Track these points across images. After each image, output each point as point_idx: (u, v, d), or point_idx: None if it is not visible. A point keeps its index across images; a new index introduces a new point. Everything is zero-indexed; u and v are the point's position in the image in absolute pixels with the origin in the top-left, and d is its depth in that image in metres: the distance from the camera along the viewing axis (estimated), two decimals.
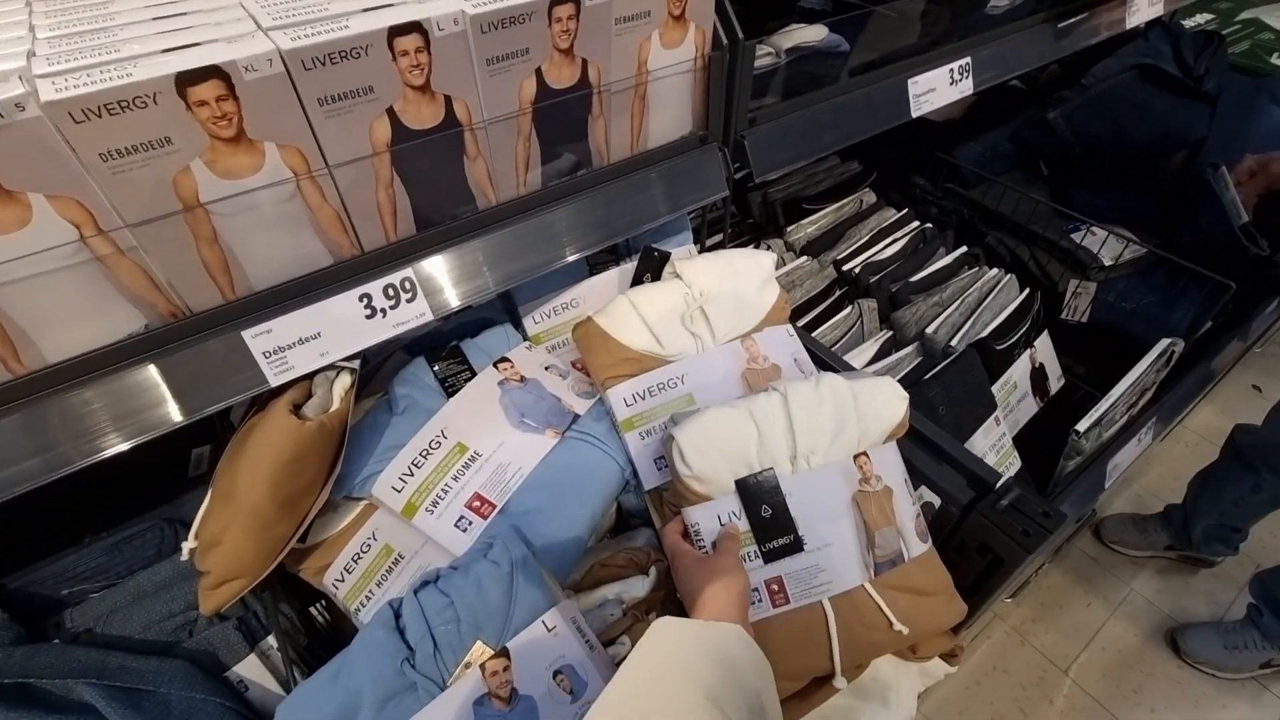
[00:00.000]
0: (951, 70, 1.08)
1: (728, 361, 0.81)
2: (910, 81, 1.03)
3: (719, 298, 0.84)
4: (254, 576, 0.65)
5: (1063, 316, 1.37)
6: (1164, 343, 1.09)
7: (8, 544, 0.74)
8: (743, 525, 0.69)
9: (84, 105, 0.45)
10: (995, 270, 1.28)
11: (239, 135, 0.53)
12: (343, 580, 0.72)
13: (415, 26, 0.56)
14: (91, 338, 0.56)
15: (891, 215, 1.41)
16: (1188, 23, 2.06)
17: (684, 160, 0.85)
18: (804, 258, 1.30)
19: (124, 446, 0.57)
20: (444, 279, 0.70)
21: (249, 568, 0.64)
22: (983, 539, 0.76)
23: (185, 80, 0.48)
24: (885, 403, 0.75)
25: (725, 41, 0.79)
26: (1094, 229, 1.35)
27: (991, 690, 1.51)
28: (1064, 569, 1.73)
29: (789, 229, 1.36)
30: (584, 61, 0.69)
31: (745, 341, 0.83)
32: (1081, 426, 1.01)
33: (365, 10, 0.56)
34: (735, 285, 0.85)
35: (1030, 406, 1.20)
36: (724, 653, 0.51)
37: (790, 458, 0.71)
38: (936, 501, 0.81)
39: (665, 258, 0.89)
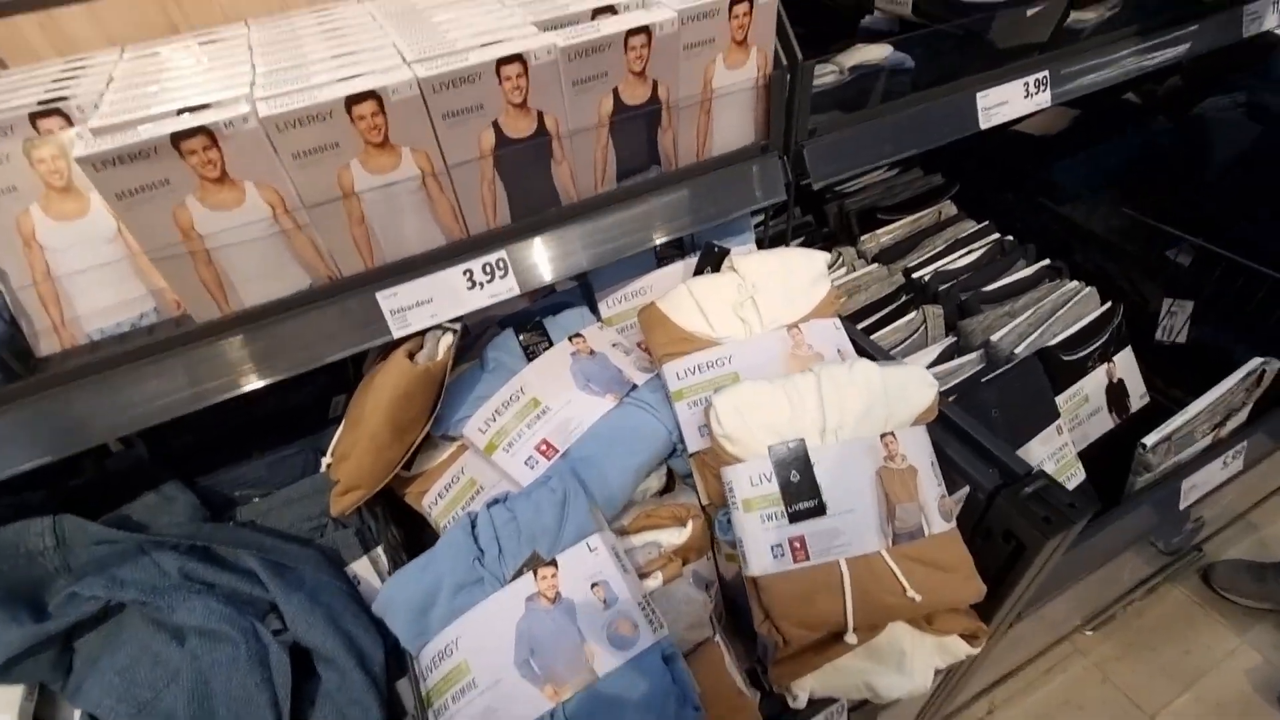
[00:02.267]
0: (1026, 84, 1.11)
1: (773, 346, 0.90)
2: (979, 94, 1.07)
3: (769, 288, 0.93)
4: (371, 488, 0.82)
5: (1158, 336, 1.32)
6: (1255, 361, 1.04)
7: (203, 450, 0.97)
8: (773, 486, 0.78)
9: (285, 120, 0.64)
10: (1075, 283, 1.26)
11: (384, 142, 0.70)
12: (436, 504, 0.89)
13: (517, 57, 0.71)
14: (274, 290, 0.75)
15: (971, 226, 1.42)
16: None
17: (745, 167, 0.95)
18: (874, 264, 1.35)
19: (290, 374, 0.76)
20: (531, 261, 0.84)
21: (368, 480, 0.82)
22: (1007, 525, 0.79)
23: (351, 101, 0.66)
24: (915, 388, 0.81)
25: (785, 62, 0.89)
26: (1193, 247, 1.29)
27: None
28: (1161, 610, 1.62)
29: (863, 238, 1.42)
30: (654, 81, 0.82)
31: (791, 330, 0.92)
32: (1149, 440, 1.00)
33: (482, 45, 0.73)
34: (786, 278, 0.94)
35: (1105, 422, 1.18)
36: None
37: (820, 431, 0.79)
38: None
39: (725, 253, 1.00)
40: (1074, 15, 1.11)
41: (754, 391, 0.79)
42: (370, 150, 0.70)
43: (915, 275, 1.31)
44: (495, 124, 0.75)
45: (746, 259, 0.95)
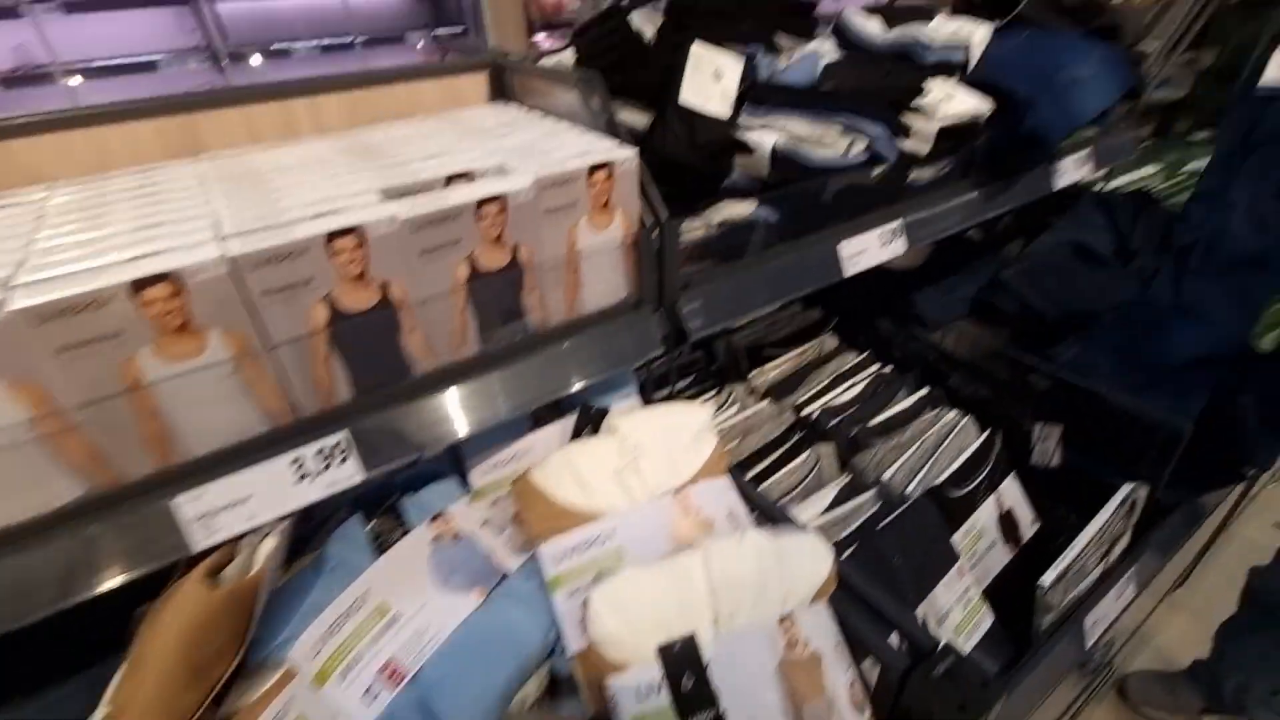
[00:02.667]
0: (882, 233, 1.18)
1: (659, 516, 0.82)
2: (841, 245, 1.12)
3: (652, 450, 0.87)
4: None
5: (1034, 461, 1.36)
6: (1125, 489, 1.08)
7: None
8: (664, 699, 0.67)
9: (48, 311, 0.53)
10: (954, 412, 1.29)
11: (184, 326, 0.60)
12: None
13: (351, 230, 0.65)
14: (31, 506, 0.60)
15: (853, 359, 1.46)
16: (1133, 175, 2.22)
17: (619, 323, 0.92)
18: (765, 401, 1.34)
19: (50, 610, 0.59)
20: (379, 441, 0.74)
21: None
22: (925, 709, 0.71)
23: (138, 285, 0.56)
24: (810, 560, 0.74)
25: (651, 221, 0.89)
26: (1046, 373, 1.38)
27: None
28: None
29: (752, 374, 1.42)
30: (515, 245, 0.78)
31: (678, 495, 0.85)
32: (1046, 580, 0.98)
33: (315, 216, 0.66)
34: (669, 437, 0.89)
35: (1002, 555, 1.16)
36: None
37: (712, 619, 0.70)
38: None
39: (602, 414, 0.93)
40: (913, 173, 1.21)
41: (635, 583, 0.69)
42: (166, 338, 0.60)
43: (805, 412, 1.31)
44: (328, 298, 0.67)
45: (627, 419, 0.89)
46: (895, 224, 1.19)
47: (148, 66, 3.63)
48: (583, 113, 0.93)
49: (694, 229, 1.01)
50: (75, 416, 0.58)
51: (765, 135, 1.01)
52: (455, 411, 0.79)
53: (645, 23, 1.11)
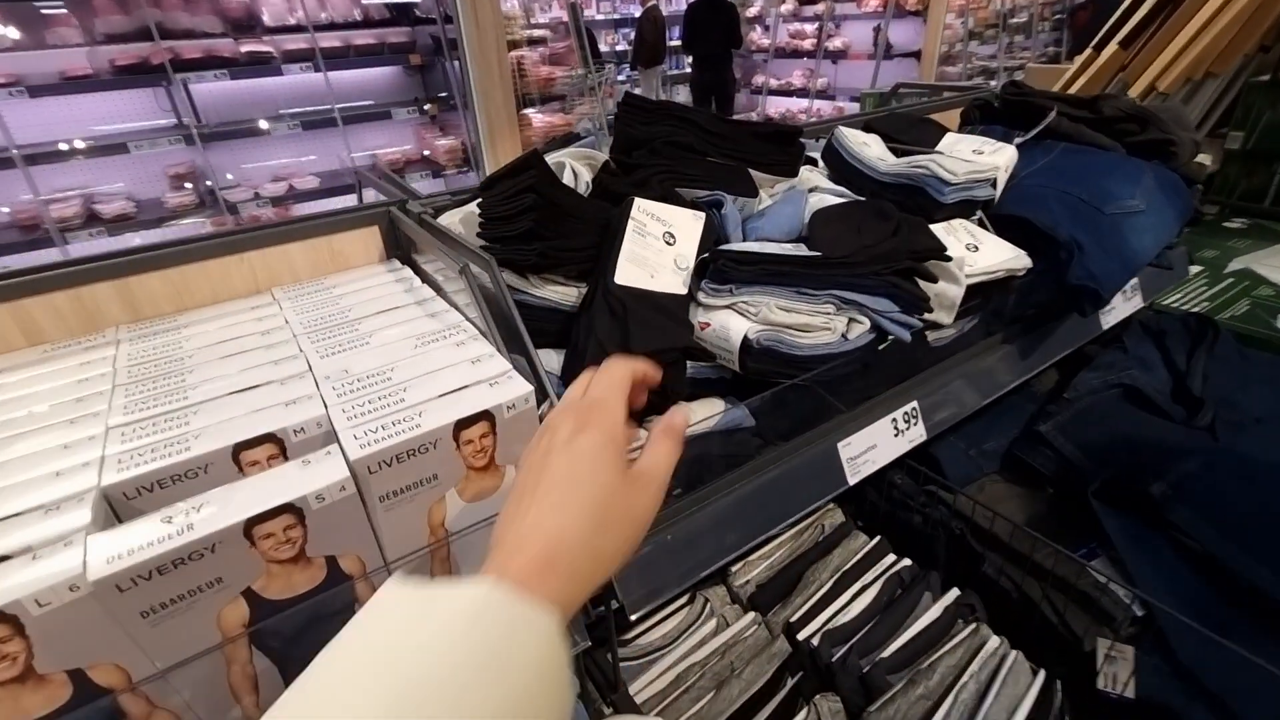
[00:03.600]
0: (894, 420, 0.91)
1: None
2: (841, 445, 0.85)
3: None
4: None
5: (1100, 686, 1.05)
6: None
7: None
8: None
9: None
10: (996, 642, 0.99)
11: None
12: None
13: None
14: None
15: (861, 545, 1.17)
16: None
17: None
18: (749, 617, 1.04)
19: None
20: None
21: None
22: None
23: None
24: None
25: None
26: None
27: None
28: None
29: (734, 569, 1.13)
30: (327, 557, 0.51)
31: None
32: None
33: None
34: None
35: None
36: (477, 658, 0.27)
37: None
38: None
39: None
40: (931, 335, 0.95)
41: None
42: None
43: (801, 637, 1.01)
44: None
45: None
46: (909, 405, 0.92)
47: (118, 148, 3.48)
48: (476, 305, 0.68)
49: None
50: None
51: (733, 320, 0.75)
52: None
53: (581, 165, 0.87)
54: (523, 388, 0.56)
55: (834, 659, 0.97)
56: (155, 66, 3.27)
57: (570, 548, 0.34)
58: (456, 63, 3.71)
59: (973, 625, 1.03)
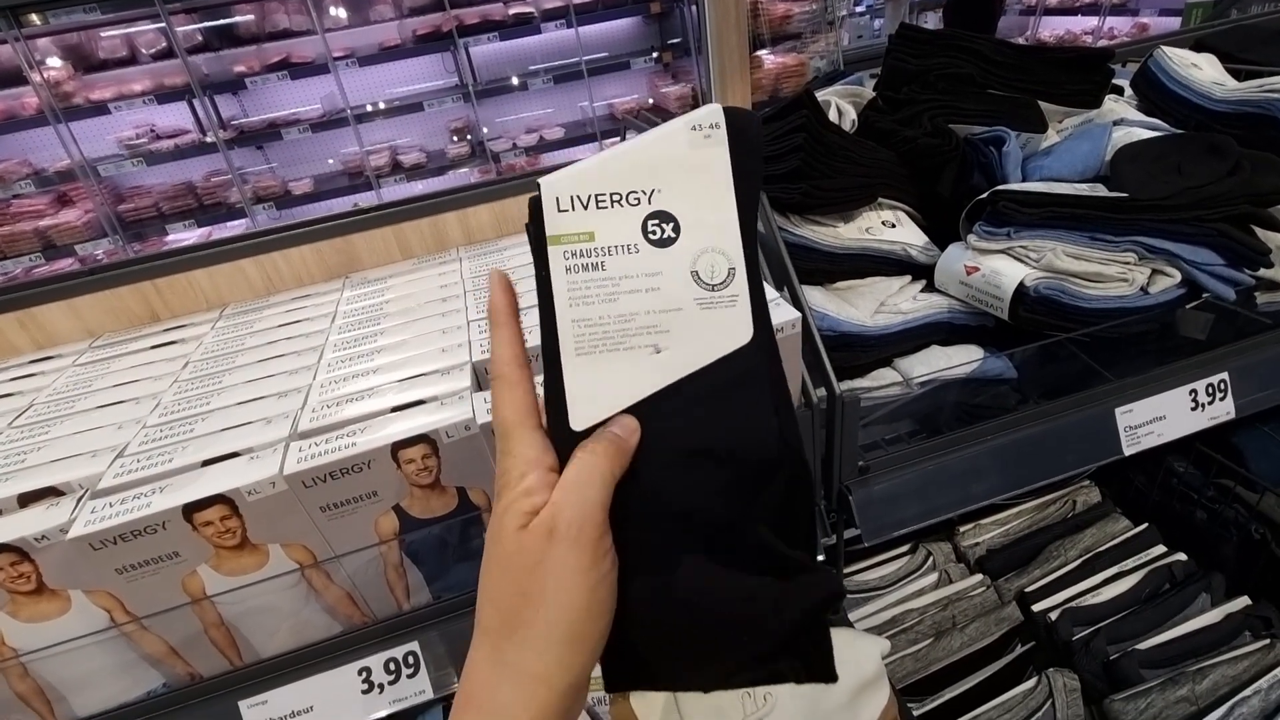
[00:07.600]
0: (1194, 391, 0.79)
1: None
2: (1120, 410, 0.77)
3: (790, 708, 0.65)
4: None
5: None
6: None
7: None
8: None
9: (105, 536, 0.50)
10: None
11: (243, 543, 0.54)
12: None
13: (422, 439, 0.55)
14: (115, 695, 0.59)
15: (1122, 530, 1.05)
16: None
17: None
18: (976, 578, 1.01)
19: None
20: (452, 655, 0.64)
21: None
22: None
23: (190, 509, 0.51)
24: None
25: (821, 396, 0.67)
26: None
27: None
28: None
29: (963, 529, 1.09)
30: None
31: None
32: None
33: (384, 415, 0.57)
34: (818, 692, 0.66)
35: None
36: None
37: None
38: None
39: None
40: (1262, 297, 0.79)
41: None
42: (224, 553, 0.54)
43: (1035, 607, 0.95)
44: (398, 508, 0.58)
45: None
46: (1217, 377, 0.79)
47: (415, 106, 4.15)
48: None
49: (888, 382, 0.75)
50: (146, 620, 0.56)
51: (1009, 266, 0.71)
52: None
53: (846, 103, 0.86)
54: (788, 314, 0.61)
55: (1075, 638, 0.91)
56: (445, 34, 3.81)
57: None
58: (694, 6, 3.73)
59: (1265, 641, 0.89)
